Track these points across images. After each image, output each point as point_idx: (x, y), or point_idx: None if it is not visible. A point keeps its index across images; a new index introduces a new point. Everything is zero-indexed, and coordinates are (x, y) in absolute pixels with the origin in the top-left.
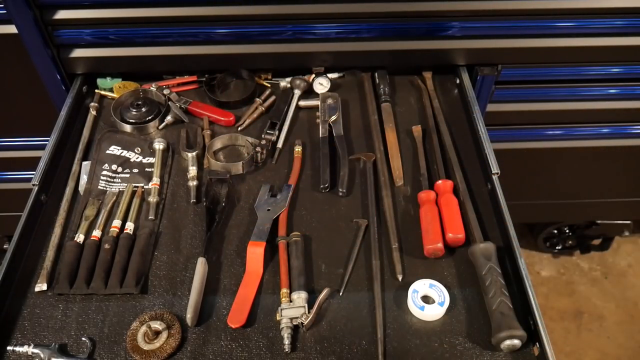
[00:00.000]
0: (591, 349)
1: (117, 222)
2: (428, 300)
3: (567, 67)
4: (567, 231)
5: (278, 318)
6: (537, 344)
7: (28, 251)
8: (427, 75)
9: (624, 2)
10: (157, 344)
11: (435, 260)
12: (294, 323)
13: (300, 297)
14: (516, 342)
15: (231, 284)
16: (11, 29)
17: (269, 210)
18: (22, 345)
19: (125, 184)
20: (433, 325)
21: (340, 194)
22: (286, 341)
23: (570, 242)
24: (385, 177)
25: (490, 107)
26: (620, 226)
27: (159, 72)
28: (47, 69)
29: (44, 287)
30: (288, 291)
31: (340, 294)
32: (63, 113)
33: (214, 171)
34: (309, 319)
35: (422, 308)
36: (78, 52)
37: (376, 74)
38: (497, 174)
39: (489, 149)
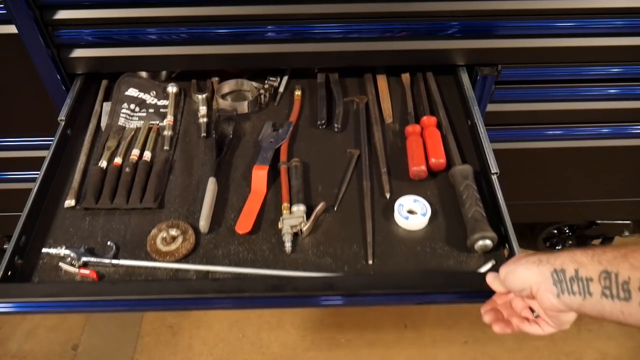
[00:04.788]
0: (591, 349)
1: (135, 151)
2: (412, 213)
3: (567, 67)
4: (567, 231)
5: (280, 226)
6: (506, 246)
7: (56, 176)
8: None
9: (624, 2)
10: (173, 246)
11: (419, 182)
12: (294, 230)
13: (299, 209)
14: (488, 242)
15: (238, 201)
16: (11, 29)
17: (271, 141)
18: (55, 247)
19: (142, 122)
20: (416, 233)
21: (336, 129)
22: (287, 244)
23: (570, 242)
24: (376, 115)
25: (490, 107)
26: (620, 226)
27: (160, 72)
28: (47, 69)
29: (72, 203)
30: (289, 205)
31: (335, 209)
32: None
33: (222, 109)
34: (307, 226)
35: (406, 218)
36: (78, 52)
37: None
38: (497, 173)
39: (488, 149)
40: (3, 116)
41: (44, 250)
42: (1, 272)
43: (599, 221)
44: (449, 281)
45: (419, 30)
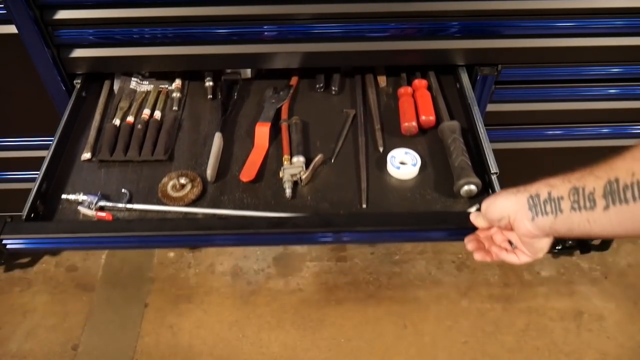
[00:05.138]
0: (591, 349)
1: (146, 111)
2: (403, 164)
3: (567, 67)
4: None
5: (281, 175)
6: (490, 192)
7: (73, 132)
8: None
9: (624, 2)
10: (182, 192)
11: (410, 137)
12: (294, 179)
13: (299, 159)
14: (473, 187)
15: (243, 154)
16: (11, 29)
17: (273, 102)
18: (73, 193)
19: (152, 86)
20: (407, 182)
21: (333, 92)
22: (288, 190)
23: (570, 242)
24: (371, 80)
25: (490, 107)
26: None
27: (160, 72)
28: (47, 69)
29: (89, 155)
30: (289, 156)
31: (332, 161)
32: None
33: (227, 73)
34: (306, 174)
35: (398, 168)
36: (78, 52)
37: None
38: (497, 173)
39: (488, 149)
40: (3, 116)
41: (64, 196)
42: (25, 214)
43: None
44: (437, 219)
45: (419, 30)
